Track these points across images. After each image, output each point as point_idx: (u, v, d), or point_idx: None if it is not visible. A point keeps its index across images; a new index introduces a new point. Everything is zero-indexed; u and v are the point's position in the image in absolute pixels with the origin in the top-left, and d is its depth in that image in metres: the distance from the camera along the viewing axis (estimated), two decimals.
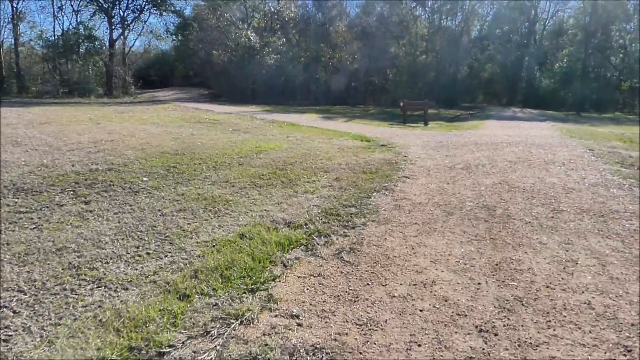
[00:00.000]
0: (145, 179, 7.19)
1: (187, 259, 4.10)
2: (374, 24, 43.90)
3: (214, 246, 4.35)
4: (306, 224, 4.72)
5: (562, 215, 4.87)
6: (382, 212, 4.98)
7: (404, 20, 41.68)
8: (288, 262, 3.80)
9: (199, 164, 8.28)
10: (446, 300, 3.05)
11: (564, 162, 8.15)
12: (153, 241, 4.55)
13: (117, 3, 37.90)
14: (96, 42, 37.99)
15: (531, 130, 14.67)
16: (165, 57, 60.41)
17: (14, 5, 36.14)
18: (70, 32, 38.24)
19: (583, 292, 3.18)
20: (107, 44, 38.90)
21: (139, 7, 38.83)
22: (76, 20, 39.58)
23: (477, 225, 4.55)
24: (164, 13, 40.04)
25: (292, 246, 4.13)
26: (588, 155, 9.01)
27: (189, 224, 5.05)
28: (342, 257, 3.79)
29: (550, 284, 3.30)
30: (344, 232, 4.39)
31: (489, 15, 42.21)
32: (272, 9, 41.90)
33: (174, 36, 44.16)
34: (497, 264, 3.62)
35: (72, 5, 38.29)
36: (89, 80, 36.50)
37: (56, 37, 37.62)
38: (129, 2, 38.98)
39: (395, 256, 3.77)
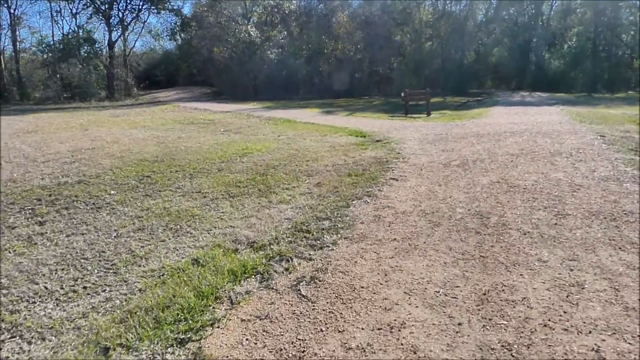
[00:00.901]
0: (113, 192, 6.64)
1: (125, 294, 3.51)
2: (377, 12, 42.97)
3: (160, 276, 3.76)
4: (270, 244, 4.11)
5: (567, 221, 4.19)
6: (359, 226, 4.34)
7: (408, 7, 40.68)
8: (236, 297, 3.19)
9: (176, 171, 7.71)
10: (415, 352, 2.42)
11: (571, 152, 7.42)
12: (96, 271, 3.98)
13: (114, 4, 37.36)
14: (95, 45, 37.53)
15: (538, 116, 13.87)
16: (171, 56, 59.88)
17: (11, 11, 35.84)
18: (70, 35, 37.90)
19: (590, 332, 2.52)
20: (107, 46, 38.42)
21: (136, 7, 38.27)
22: (75, 24, 39.26)
23: (467, 238, 3.90)
24: (162, 12, 39.32)
25: (246, 275, 3.52)
26: (599, 143, 8.27)
27: (143, 247, 4.47)
28: (299, 289, 3.17)
29: (550, 320, 2.65)
30: (309, 255, 3.77)
31: None
32: (272, 3, 41.12)
33: (174, 35, 43.24)
34: (484, 294, 2.97)
35: (70, 9, 37.85)
36: (90, 84, 36.09)
37: (55, 41, 37.22)
38: (127, 2, 38.49)
39: (362, 287, 3.14)
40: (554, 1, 40.60)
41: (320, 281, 3.26)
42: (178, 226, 4.96)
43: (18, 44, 37.94)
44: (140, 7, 38.57)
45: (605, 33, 35.79)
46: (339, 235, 4.13)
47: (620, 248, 3.59)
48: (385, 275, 3.30)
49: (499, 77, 44.05)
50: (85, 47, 36.86)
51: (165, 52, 62.99)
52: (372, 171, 6.70)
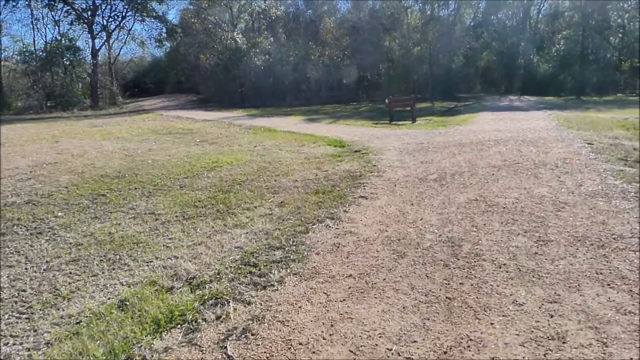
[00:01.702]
0: (60, 214, 6.08)
1: (29, 349, 2.96)
2: (365, 18, 42.62)
3: (77, 324, 3.22)
4: (210, 281, 3.58)
5: (548, 249, 3.68)
6: (313, 258, 3.81)
7: (396, 12, 40.34)
8: (152, 357, 2.65)
9: (135, 189, 7.16)
10: None
11: (557, 163, 6.94)
12: (6, 317, 3.43)
13: (97, 11, 36.76)
14: (78, 53, 36.84)
15: (525, 122, 13.42)
16: (160, 64, 59.22)
17: None
18: (52, 44, 37.21)
19: None
20: (90, 54, 37.76)
21: (120, 14, 37.67)
22: (58, 32, 38.59)
23: (433, 274, 3.38)
24: (147, 19, 38.73)
25: (171, 325, 2.98)
26: (586, 152, 7.80)
27: (70, 283, 3.93)
28: (226, 347, 2.64)
29: None
30: (249, 297, 3.24)
31: (482, 2, 40.73)
32: (258, 9, 40.65)
33: (158, 42, 42.67)
34: (446, 352, 2.45)
35: (52, 16, 37.20)
36: (72, 92, 35.42)
37: (37, 49, 36.52)
38: (110, 9, 37.91)
39: (301, 344, 2.61)
40: (542, 4, 40.40)
41: (252, 335, 2.72)
42: (117, 256, 4.42)
43: (1, 51, 37.20)
44: (124, 14, 37.97)
45: (594, 36, 35.58)
46: (288, 270, 3.60)
47: (608, 284, 3.08)
48: (332, 326, 2.77)
49: (487, 81, 43.77)
50: (68, 56, 36.09)
51: (154, 60, 62.40)
52: (341, 187, 6.18)
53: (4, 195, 7.25)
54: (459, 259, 3.57)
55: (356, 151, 9.66)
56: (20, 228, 5.60)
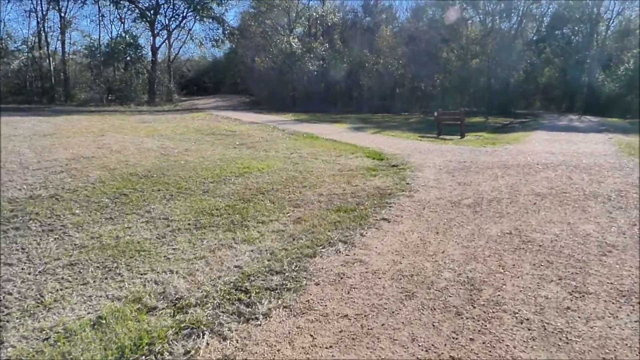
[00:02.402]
0: (77, 211, 5.98)
1: None
2: (424, 28, 41.83)
3: (45, 339, 2.98)
4: (195, 305, 3.27)
5: (585, 304, 3.14)
6: (311, 289, 3.42)
7: (455, 23, 39.33)
8: None
9: (158, 190, 7.01)
10: None
11: (610, 195, 6.24)
12: None
13: (159, 11, 37.83)
14: (139, 50, 38.02)
15: (582, 144, 12.50)
16: (219, 64, 60.55)
17: (62, 14, 36.82)
18: (116, 40, 38.60)
19: None
20: (150, 51, 38.90)
21: (180, 14, 38.63)
22: (123, 29, 40.05)
23: (442, 323, 2.91)
24: (205, 20, 39.52)
25: (134, 356, 2.67)
26: None
27: (58, 290, 3.73)
28: None
29: None
30: (228, 330, 2.90)
31: (547, 16, 39.05)
32: (315, 15, 40.67)
33: (215, 43, 43.44)
34: None
35: (118, 13, 38.66)
36: (131, 88, 36.57)
37: (101, 44, 37.94)
38: (172, 9, 38.95)
39: None
40: (612, 20, 38.25)
41: None
42: (115, 264, 4.19)
43: (68, 46, 38.95)
44: (184, 14, 38.90)
45: None
46: (279, 302, 3.23)
47: None
48: None
49: (548, 98, 41.96)
50: (129, 52, 37.32)
51: (214, 60, 63.87)
52: (366, 206, 5.76)
53: (33, 187, 7.28)
54: (475, 307, 3.09)
55: (393, 165, 9.20)
56: (35, 223, 5.51)
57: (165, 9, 39.26)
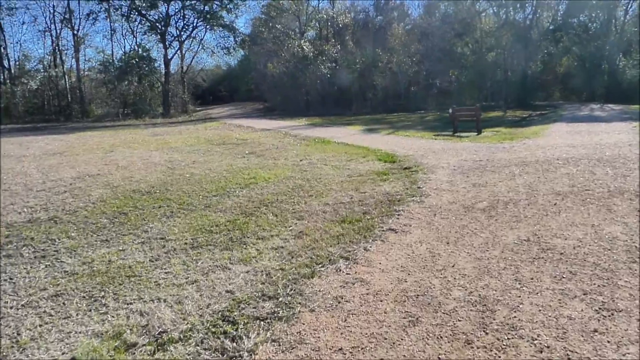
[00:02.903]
0: (74, 234, 5.77)
1: None
2: (436, 23, 41.22)
3: None
4: (178, 340, 2.97)
5: (614, 325, 2.73)
6: (304, 317, 3.08)
7: (468, 17, 38.64)
8: None
9: (159, 207, 6.78)
10: None
11: (638, 191, 5.77)
12: None
13: (169, 22, 38.00)
14: (153, 63, 38.23)
15: (605, 135, 11.91)
16: (234, 72, 60.78)
17: (74, 32, 37.25)
18: (130, 54, 38.90)
19: None
20: (163, 63, 39.11)
21: (190, 24, 38.75)
22: (135, 43, 40.35)
23: (448, 355, 2.55)
24: (215, 28, 39.57)
25: None
26: None
27: (38, 326, 3.47)
28: None
29: None
30: None
31: (562, 4, 38.03)
32: (325, 17, 40.40)
33: (226, 51, 43.48)
34: None
35: (130, 27, 38.94)
36: (145, 101, 36.79)
37: (115, 60, 38.26)
38: (182, 20, 39.10)
39: None
40: (630, 4, 36.97)
41: None
42: (102, 293, 3.92)
43: (82, 63, 39.41)
44: (195, 24, 39.01)
45: None
46: (268, 334, 2.90)
47: None
48: None
49: (568, 88, 40.89)
50: (142, 65, 37.54)
51: (229, 68, 64.16)
52: (373, 216, 5.41)
53: (34, 209, 7.11)
54: (487, 333, 2.71)
55: (405, 168, 8.83)
56: (28, 249, 5.30)
57: (175, 20, 39.49)
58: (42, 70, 37.60)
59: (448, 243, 4.32)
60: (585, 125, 15.47)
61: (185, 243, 5.09)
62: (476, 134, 14.96)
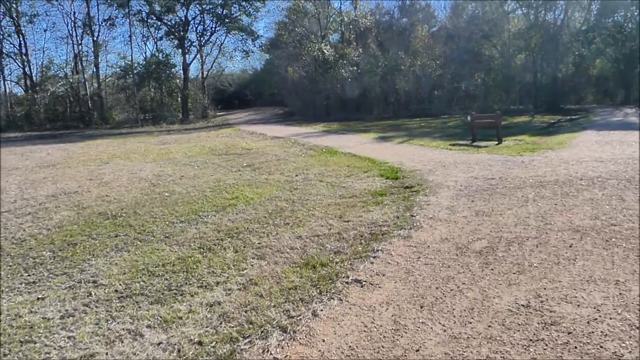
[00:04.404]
0: (2, 273, 4.97)
1: None
2: (462, 25, 39.80)
3: None
4: None
5: None
6: None
7: (496, 18, 37.10)
8: None
9: (115, 236, 6.00)
10: None
11: None
12: None
13: (188, 27, 37.68)
14: (170, 69, 37.94)
15: (638, 145, 10.64)
16: (259, 76, 60.44)
17: (94, 38, 37.26)
18: (151, 59, 38.71)
19: None
20: (182, 69, 38.78)
21: (209, 29, 38.34)
22: (155, 48, 40.19)
23: None
24: (233, 32, 39.08)
25: None
26: None
27: None
28: None
29: None
30: None
31: (595, 4, 36.07)
32: (347, 19, 39.42)
33: (245, 54, 42.93)
34: None
35: (150, 33, 38.77)
36: (164, 106, 36.52)
37: (133, 65, 38.10)
38: (202, 25, 38.75)
39: None
40: None
41: None
42: None
43: (103, 69, 39.44)
44: (213, 29, 38.60)
45: None
46: None
47: None
48: None
49: (601, 90, 38.87)
50: (161, 71, 37.27)
51: (254, 72, 63.92)
52: (344, 257, 4.45)
53: None
54: None
55: (407, 187, 7.84)
56: None
57: (195, 25, 39.17)
58: (63, 77, 37.71)
59: (422, 307, 3.33)
60: (618, 134, 14.09)
61: (116, 291, 4.24)
62: (496, 143, 13.79)
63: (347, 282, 3.84)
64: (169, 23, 37.04)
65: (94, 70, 39.26)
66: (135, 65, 38.59)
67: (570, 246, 4.31)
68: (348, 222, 5.81)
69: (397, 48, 37.60)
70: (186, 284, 4.23)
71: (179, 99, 38.50)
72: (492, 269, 3.90)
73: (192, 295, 3.96)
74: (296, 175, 9.66)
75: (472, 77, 37.42)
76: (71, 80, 37.24)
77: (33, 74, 37.16)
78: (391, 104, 36.75)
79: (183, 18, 37.56)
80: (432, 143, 14.69)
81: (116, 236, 5.97)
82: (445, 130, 20.42)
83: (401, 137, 17.40)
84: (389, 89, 36.97)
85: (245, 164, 11.69)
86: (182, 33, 37.52)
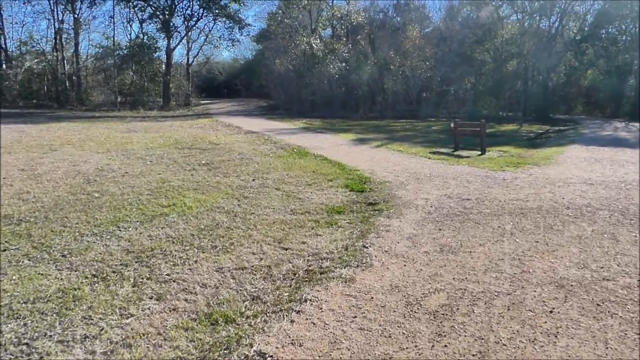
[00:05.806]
0: None
1: None
2: (455, 27, 38.84)
3: None
4: None
5: None
6: None
7: (490, 23, 36.17)
8: None
9: (4, 250, 4.88)
10: None
11: None
12: None
13: (174, 11, 36.26)
14: (152, 53, 36.51)
15: (631, 167, 9.71)
16: (250, 66, 59.10)
17: (75, 16, 35.71)
18: (134, 42, 37.26)
19: None
20: (165, 53, 37.38)
21: (196, 14, 36.96)
22: (141, 31, 38.71)
23: None
24: (219, 18, 37.76)
25: None
26: None
27: None
28: None
29: None
30: None
31: (590, 14, 35.36)
32: (339, 14, 38.24)
33: (230, 42, 41.64)
34: None
35: (136, 13, 37.24)
36: (143, 91, 35.14)
37: (115, 46, 36.62)
38: (190, 9, 37.37)
39: None
40: None
41: None
42: None
43: (83, 48, 37.87)
44: (200, 15, 37.23)
45: None
46: None
47: None
48: None
49: (591, 102, 38.26)
50: (143, 54, 35.82)
51: (246, 62, 62.61)
52: (261, 309, 3.43)
53: None
54: None
55: (370, 203, 6.84)
56: None
57: (183, 9, 37.75)
58: (41, 53, 36.10)
59: None
60: (608, 150, 13.22)
61: None
62: (479, 153, 12.87)
63: (245, 357, 2.81)
64: (154, 5, 35.53)
65: (75, 49, 37.68)
66: (118, 47, 37.16)
67: (551, 312, 3.32)
68: (286, 250, 4.79)
69: (389, 47, 36.56)
70: (43, 335, 3.17)
71: (160, 84, 37.08)
72: (445, 347, 2.90)
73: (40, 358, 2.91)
74: (253, 180, 8.63)
75: (462, 81, 36.60)
76: (49, 58, 35.64)
77: (9, 49, 35.49)
78: (378, 104, 35.74)
79: (170, 1, 36.10)
80: (412, 149, 13.72)
81: (4, 250, 4.88)
82: (428, 135, 19.49)
83: (381, 140, 16.41)
84: (377, 88, 35.99)
85: (204, 162, 10.61)
86: (167, 16, 36.04)
